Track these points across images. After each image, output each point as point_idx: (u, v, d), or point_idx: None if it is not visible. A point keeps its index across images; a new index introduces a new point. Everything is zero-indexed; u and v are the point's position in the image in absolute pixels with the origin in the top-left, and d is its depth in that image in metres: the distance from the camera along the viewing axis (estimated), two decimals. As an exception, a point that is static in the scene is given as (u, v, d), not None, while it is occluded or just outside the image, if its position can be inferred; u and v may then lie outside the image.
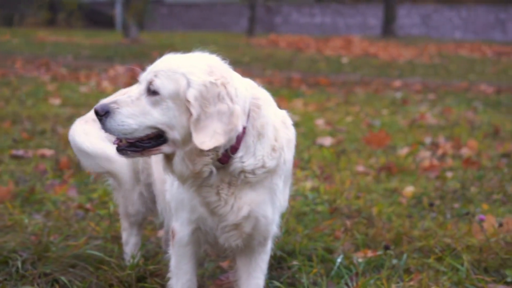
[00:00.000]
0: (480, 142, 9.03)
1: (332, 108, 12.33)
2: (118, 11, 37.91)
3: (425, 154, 8.32)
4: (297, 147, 3.55)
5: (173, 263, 3.57)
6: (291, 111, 3.59)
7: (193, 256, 3.54)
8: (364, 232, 4.99)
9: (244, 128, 3.19)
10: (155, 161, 3.83)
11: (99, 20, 40.63)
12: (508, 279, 4.26)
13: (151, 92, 3.15)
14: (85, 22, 37.80)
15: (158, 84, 3.13)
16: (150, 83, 3.16)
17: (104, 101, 3.33)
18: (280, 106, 3.48)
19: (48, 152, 7.58)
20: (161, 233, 5.03)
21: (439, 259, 4.49)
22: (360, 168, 7.40)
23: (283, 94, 12.79)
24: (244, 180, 3.24)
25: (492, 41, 37.86)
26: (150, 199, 4.12)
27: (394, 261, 4.44)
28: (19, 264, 3.99)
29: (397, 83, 17.57)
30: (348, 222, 5.13)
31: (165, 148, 3.19)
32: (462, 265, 4.33)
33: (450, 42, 35.58)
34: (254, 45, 27.61)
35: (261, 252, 3.54)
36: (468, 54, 28.30)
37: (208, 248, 3.67)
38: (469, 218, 5.32)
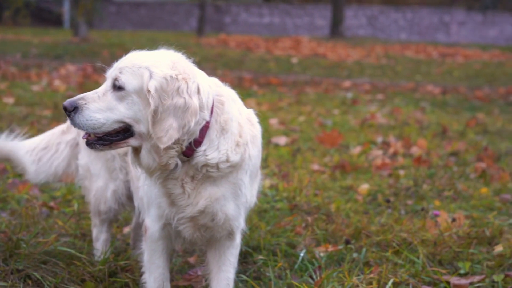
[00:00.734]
0: (429, 141, 9.33)
1: (284, 108, 12.53)
2: (66, 9, 37.48)
3: (377, 153, 8.56)
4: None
5: (145, 257, 3.68)
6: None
7: (164, 250, 3.66)
8: (324, 228, 5.18)
9: (208, 123, 3.32)
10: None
11: (46, 18, 40.09)
12: (461, 271, 4.49)
13: (117, 87, 3.28)
14: (32, 20, 37.20)
15: (123, 80, 3.26)
16: (115, 79, 3.28)
17: (72, 98, 3.43)
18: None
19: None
20: (126, 230, 5.14)
21: (396, 253, 4.70)
22: (315, 167, 7.60)
23: (235, 94, 12.91)
24: (206, 174, 3.36)
25: (436, 43, 38.67)
26: (126, 196, 4.23)
27: (355, 255, 4.64)
28: (-10, 261, 4.05)
29: (347, 83, 17.89)
30: (309, 218, 5.31)
31: (132, 141, 3.32)
32: (418, 258, 4.56)
33: (396, 43, 36.22)
34: (204, 45, 27.66)
35: (230, 247, 3.67)
36: (414, 55, 28.88)
37: (182, 242, 3.77)
38: (423, 214, 5.56)
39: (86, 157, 4.31)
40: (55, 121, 9.46)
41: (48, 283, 3.87)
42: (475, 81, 20.79)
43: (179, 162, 3.33)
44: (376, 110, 12.86)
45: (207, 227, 3.49)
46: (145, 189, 3.61)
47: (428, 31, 46.32)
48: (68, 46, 23.73)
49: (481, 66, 24.91)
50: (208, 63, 21.69)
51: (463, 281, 4.28)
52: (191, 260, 4.54)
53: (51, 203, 5.63)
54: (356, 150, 8.70)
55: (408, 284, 4.19)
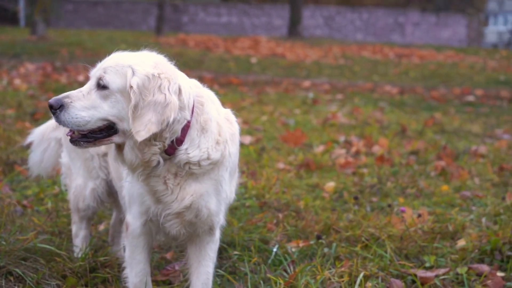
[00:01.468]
0: (390, 140, 9.57)
1: (247, 108, 12.67)
2: (22, 7, 37.04)
3: (340, 151, 8.76)
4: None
5: (127, 253, 3.78)
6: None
7: (146, 246, 3.77)
8: (294, 224, 5.35)
9: (189, 122, 3.45)
10: (111, 160, 4.05)
11: (1, 16, 39.55)
12: (427, 265, 4.69)
13: (101, 86, 3.38)
14: (-14, 18, 36.79)
15: (108, 79, 3.37)
16: (100, 78, 3.39)
17: (57, 96, 3.52)
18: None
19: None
20: (101, 227, 5.23)
21: (365, 247, 4.89)
22: (281, 165, 7.76)
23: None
24: (189, 171, 3.49)
25: (392, 43, 39.24)
26: (106, 194, 4.33)
27: (325, 250, 4.81)
28: (-30, 258, 4.11)
29: (306, 83, 18.13)
30: (280, 215, 5.47)
31: (116, 138, 3.42)
32: (386, 252, 4.75)
33: (352, 43, 36.66)
34: (163, 44, 27.60)
35: (210, 242, 3.79)
36: (370, 56, 29.31)
37: (162, 238, 3.89)
38: (388, 210, 5.77)
39: (67, 156, 4.41)
40: (20, 120, 9.47)
41: (30, 279, 3.95)
42: (431, 81, 21.24)
43: (161, 160, 3.44)
44: (336, 110, 13.10)
45: (191, 222, 3.61)
46: (127, 187, 3.71)
47: (384, 31, 46.97)
48: (26, 44, 23.51)
49: (436, 67, 25.43)
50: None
51: (429, 274, 4.47)
52: (168, 256, 4.66)
53: (24, 202, 5.68)
54: (319, 149, 8.89)
55: (377, 277, 4.37)
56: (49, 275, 4.05)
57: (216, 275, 4.29)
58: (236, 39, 33.44)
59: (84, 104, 3.38)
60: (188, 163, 3.47)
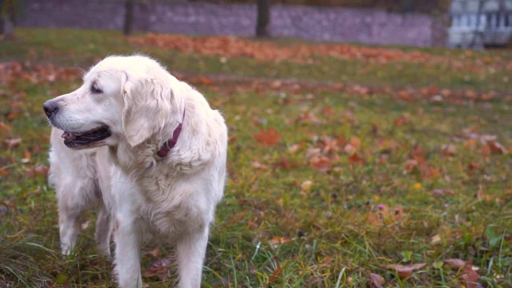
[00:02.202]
0: (362, 140, 9.76)
1: (219, 107, 12.66)
2: (-13, 6, 36.64)
3: (313, 151, 8.92)
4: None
5: (118, 250, 3.89)
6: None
7: (136, 243, 3.87)
8: (274, 222, 5.49)
9: (180, 125, 3.58)
10: (101, 159, 4.16)
11: (-34, 14, 39.11)
12: (404, 260, 4.86)
13: (95, 90, 3.48)
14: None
15: (102, 83, 3.47)
16: (94, 82, 3.49)
17: (53, 99, 3.61)
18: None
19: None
20: (85, 226, 5.31)
21: (345, 244, 5.05)
22: (257, 164, 7.89)
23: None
24: (180, 172, 3.61)
25: (358, 43, 39.62)
26: (94, 193, 4.42)
27: (307, 246, 4.96)
28: (-40, 256, 4.17)
29: (277, 83, 18.30)
30: (262, 213, 5.61)
31: (109, 141, 3.53)
32: (365, 248, 4.91)
33: (320, 43, 36.95)
34: (132, 44, 27.58)
35: (199, 239, 3.91)
36: (338, 56, 29.61)
37: (151, 236, 4.01)
38: (367, 207, 5.95)
39: (56, 155, 4.50)
40: (-6, 120, 9.48)
41: (21, 277, 4.03)
42: (398, 81, 21.57)
43: (154, 161, 3.56)
44: (308, 109, 13.27)
45: (181, 221, 3.72)
46: (118, 186, 3.81)
47: (351, 32, 47.40)
48: (-7, 43, 23.36)
49: (403, 67, 25.80)
50: (138, 62, 21.69)
51: (407, 269, 4.64)
52: (154, 253, 4.76)
53: (7, 201, 5.73)
54: (293, 148, 9.04)
55: (358, 272, 4.52)
56: (39, 273, 4.13)
57: (202, 271, 4.40)
58: (205, 39, 33.52)
59: (79, 107, 3.47)
60: (179, 164, 3.58)
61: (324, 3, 53.60)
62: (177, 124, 3.55)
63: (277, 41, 35.48)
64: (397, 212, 5.46)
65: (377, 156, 8.69)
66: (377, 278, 4.46)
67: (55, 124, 3.49)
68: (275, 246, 4.93)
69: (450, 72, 24.70)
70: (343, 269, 4.38)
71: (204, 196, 3.75)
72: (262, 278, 4.22)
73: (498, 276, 4.54)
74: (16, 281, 4.02)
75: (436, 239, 5.23)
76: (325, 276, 4.37)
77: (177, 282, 3.97)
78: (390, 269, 4.62)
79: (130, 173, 3.59)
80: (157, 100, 3.42)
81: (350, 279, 4.33)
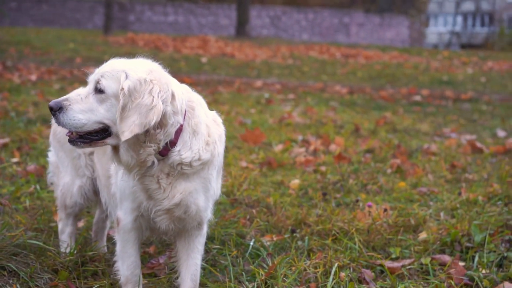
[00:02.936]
0: (346, 139, 9.92)
1: (204, 107, 12.83)
2: (-34, 5, 36.40)
3: (298, 150, 9.06)
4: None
5: (118, 247, 4.00)
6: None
7: (136, 240, 3.99)
8: (266, 220, 5.62)
9: (181, 126, 3.70)
10: (99, 158, 4.27)
11: None
12: (393, 256, 5.02)
13: (98, 90, 3.61)
14: None
15: (104, 83, 3.59)
16: (97, 82, 3.61)
17: (58, 99, 3.73)
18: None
19: None
20: (81, 224, 5.41)
21: (335, 240, 5.20)
22: (243, 164, 8.02)
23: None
24: (180, 171, 3.74)
25: (337, 43, 39.87)
26: (92, 192, 4.52)
27: (299, 243, 5.10)
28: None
29: (258, 83, 18.42)
30: (254, 211, 5.74)
31: (110, 141, 3.65)
32: (355, 244, 5.06)
33: (300, 43, 37.14)
34: (112, 43, 27.59)
35: (198, 236, 4.04)
36: (318, 56, 29.81)
37: (150, 233, 4.12)
38: (356, 205, 6.11)
39: (55, 155, 4.59)
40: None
41: (23, 273, 4.12)
42: (378, 81, 21.79)
43: (156, 161, 3.67)
44: (291, 109, 13.42)
45: (181, 218, 3.84)
46: (119, 184, 3.92)
47: (329, 32, 47.64)
48: (-28, 43, 23.26)
49: (382, 67, 26.04)
50: (119, 62, 21.71)
51: (396, 264, 4.80)
52: (150, 250, 4.88)
53: (1, 200, 5.80)
54: (278, 147, 9.17)
55: (349, 268, 4.67)
56: (40, 269, 4.23)
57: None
58: (185, 38, 33.56)
59: (82, 107, 3.59)
60: (180, 163, 3.70)
61: (302, 3, 53.85)
62: (178, 125, 3.67)
63: (256, 41, 35.62)
64: (385, 210, 5.62)
65: (361, 156, 8.84)
66: (368, 274, 4.62)
67: (59, 123, 3.61)
68: (268, 243, 5.06)
69: (428, 72, 24.99)
70: (336, 265, 4.52)
71: (203, 194, 3.87)
72: (258, 274, 4.35)
73: (484, 271, 4.70)
74: (18, 277, 4.11)
75: (423, 235, 5.39)
76: (318, 271, 4.52)
77: (176, 278, 4.09)
78: (380, 265, 4.77)
79: (133, 172, 3.70)
80: (153, 97, 3.53)
81: (342, 274, 4.47)
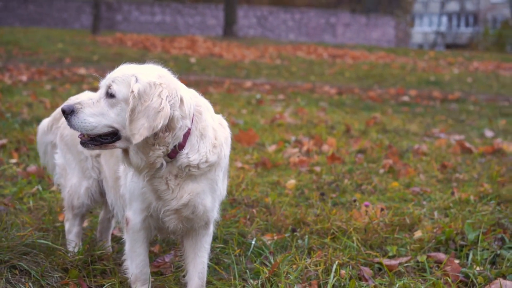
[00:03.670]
0: (338, 140, 10.08)
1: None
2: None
3: (292, 151, 9.21)
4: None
5: (127, 246, 4.13)
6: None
7: (145, 240, 4.12)
8: (265, 219, 5.76)
9: (189, 129, 3.84)
10: (106, 160, 4.40)
11: None
12: (390, 254, 5.18)
13: (109, 95, 3.73)
14: None
15: (115, 88, 3.72)
16: (108, 87, 3.74)
17: (70, 102, 3.86)
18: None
19: None
20: (85, 224, 5.52)
21: (334, 239, 5.35)
22: (239, 164, 8.15)
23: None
24: (188, 173, 3.88)
25: (324, 44, 40.05)
26: (98, 193, 4.65)
27: (299, 242, 5.25)
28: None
29: (248, 83, 18.56)
30: (254, 211, 5.88)
31: (119, 144, 3.78)
32: (353, 243, 5.21)
33: (287, 44, 37.30)
34: (101, 43, 27.61)
35: (205, 235, 4.18)
36: (305, 56, 29.97)
37: (158, 233, 4.26)
38: (349, 205, 6.26)
39: (62, 157, 4.71)
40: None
41: (35, 272, 4.24)
42: (366, 81, 21.99)
43: (164, 163, 3.81)
44: (282, 110, 13.57)
45: (188, 218, 3.98)
46: (129, 185, 4.06)
47: (316, 32, 47.81)
48: (-40, 43, 23.23)
49: (369, 67, 26.26)
50: (108, 62, 21.82)
51: (393, 262, 4.95)
52: (155, 249, 5.00)
53: (4, 201, 5.91)
54: (272, 148, 9.32)
55: (348, 266, 4.82)
56: (50, 268, 4.35)
57: (204, 266, 4.66)
58: (173, 38, 33.62)
59: (93, 111, 3.72)
60: (188, 165, 3.84)
61: (289, 3, 54.01)
62: (187, 129, 3.81)
63: (244, 41, 35.74)
64: (382, 210, 5.78)
65: (353, 156, 9.00)
66: (367, 271, 4.77)
67: (71, 125, 3.73)
68: (269, 242, 5.21)
69: (415, 73, 25.24)
70: (336, 263, 4.67)
71: (210, 195, 4.01)
72: (263, 271, 4.49)
73: (478, 268, 4.86)
74: (30, 276, 4.23)
75: (418, 234, 5.55)
76: (319, 269, 4.66)
77: (183, 276, 4.23)
78: (378, 263, 4.92)
79: (142, 173, 3.84)
80: (162, 100, 3.66)
81: (343, 272, 4.62)
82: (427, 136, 11.49)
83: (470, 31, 70.29)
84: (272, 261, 4.81)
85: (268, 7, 48.56)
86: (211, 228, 4.20)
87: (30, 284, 4.12)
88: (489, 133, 11.98)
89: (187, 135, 3.83)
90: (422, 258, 5.05)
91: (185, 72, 21.06)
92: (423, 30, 75.71)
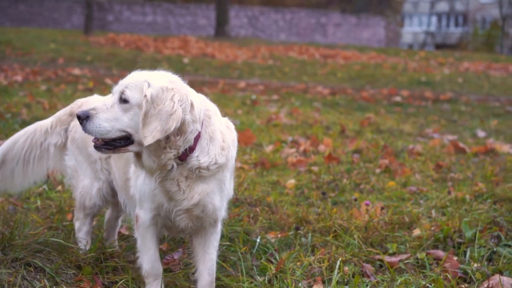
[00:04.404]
0: (334, 140, 10.24)
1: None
2: None
3: (289, 151, 9.37)
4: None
5: (139, 242, 4.29)
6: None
7: (154, 235, 4.28)
8: (268, 218, 5.92)
9: (199, 133, 4.00)
10: (116, 162, 4.56)
11: None
12: (390, 251, 5.34)
13: (123, 100, 3.89)
14: None
15: (128, 94, 3.87)
16: (122, 93, 3.89)
17: (85, 108, 4.01)
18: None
19: None
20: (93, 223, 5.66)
21: (336, 237, 5.51)
22: (238, 164, 8.29)
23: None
24: (198, 174, 4.05)
25: (315, 44, 40.22)
26: (110, 194, 4.80)
27: (303, 239, 5.41)
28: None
29: (242, 84, 18.71)
30: (257, 210, 6.03)
31: (132, 148, 3.94)
32: (354, 240, 5.37)
33: (279, 44, 37.46)
34: (93, 44, 27.69)
35: (213, 233, 4.34)
36: (297, 56, 30.14)
37: (166, 232, 4.42)
38: (348, 204, 6.43)
39: (74, 159, 4.84)
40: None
41: (49, 269, 4.38)
42: (358, 82, 22.18)
43: (175, 165, 3.97)
44: (277, 110, 13.72)
45: (199, 217, 4.15)
46: (139, 186, 4.22)
47: (306, 32, 47.97)
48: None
49: (361, 68, 26.46)
50: (101, 63, 21.92)
51: (394, 259, 5.12)
52: (163, 247, 5.15)
53: (12, 200, 6.03)
54: (269, 148, 9.47)
55: (351, 263, 4.98)
56: (64, 265, 4.48)
57: (211, 263, 4.81)
58: (165, 39, 33.72)
59: (107, 116, 3.87)
60: (199, 168, 4.01)
61: (279, 3, 54.19)
62: (197, 132, 3.97)
63: (236, 41, 35.88)
64: (382, 208, 5.94)
65: (350, 156, 9.16)
66: (369, 268, 4.93)
67: (86, 130, 3.89)
68: (273, 240, 5.36)
69: (406, 73, 25.46)
70: (339, 260, 4.82)
71: (219, 194, 4.18)
72: (270, 268, 4.64)
73: (475, 265, 5.03)
74: (44, 273, 4.36)
75: (416, 232, 5.72)
76: (323, 266, 4.82)
77: (193, 273, 4.37)
78: (379, 260, 5.08)
79: (154, 175, 4.00)
80: (174, 103, 3.81)
81: (346, 268, 4.78)
82: (421, 136, 11.68)
83: (460, 31, 70.72)
84: (277, 258, 4.96)
85: (259, 7, 48.73)
86: (219, 226, 4.36)
87: (45, 280, 4.25)
88: (481, 133, 12.19)
89: (197, 138, 3.99)
90: (421, 255, 5.21)
91: (178, 72, 20.86)
92: (413, 30, 76.10)
